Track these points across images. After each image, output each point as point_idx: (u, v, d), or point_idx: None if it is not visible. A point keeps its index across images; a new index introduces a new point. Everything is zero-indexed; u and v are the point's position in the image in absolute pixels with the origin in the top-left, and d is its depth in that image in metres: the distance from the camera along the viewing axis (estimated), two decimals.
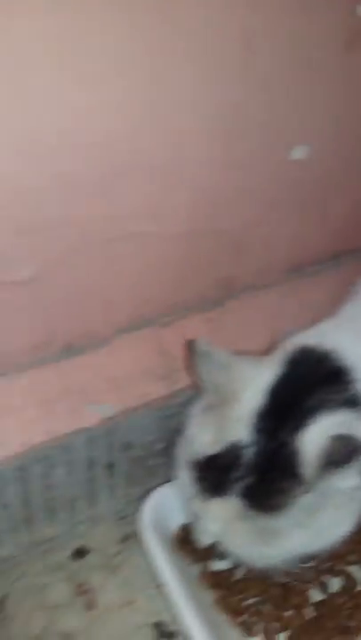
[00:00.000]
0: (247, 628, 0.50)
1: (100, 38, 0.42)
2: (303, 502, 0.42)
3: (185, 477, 0.48)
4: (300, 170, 0.60)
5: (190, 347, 0.49)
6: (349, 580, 0.53)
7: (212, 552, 0.54)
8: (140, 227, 0.53)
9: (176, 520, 0.57)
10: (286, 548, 0.44)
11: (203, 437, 0.47)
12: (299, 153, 0.59)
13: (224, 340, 0.63)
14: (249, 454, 0.43)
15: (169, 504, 0.56)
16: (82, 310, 0.55)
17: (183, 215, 0.55)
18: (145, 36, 0.43)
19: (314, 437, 0.42)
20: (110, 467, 0.58)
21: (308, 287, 0.69)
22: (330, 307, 0.57)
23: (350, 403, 0.44)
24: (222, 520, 0.45)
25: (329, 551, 0.47)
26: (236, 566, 0.53)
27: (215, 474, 0.45)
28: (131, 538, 0.58)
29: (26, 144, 0.43)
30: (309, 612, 0.51)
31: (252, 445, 0.44)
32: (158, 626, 0.51)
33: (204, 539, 0.48)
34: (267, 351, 0.55)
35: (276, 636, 0.49)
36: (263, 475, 0.43)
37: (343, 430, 0.41)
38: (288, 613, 0.51)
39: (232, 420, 0.45)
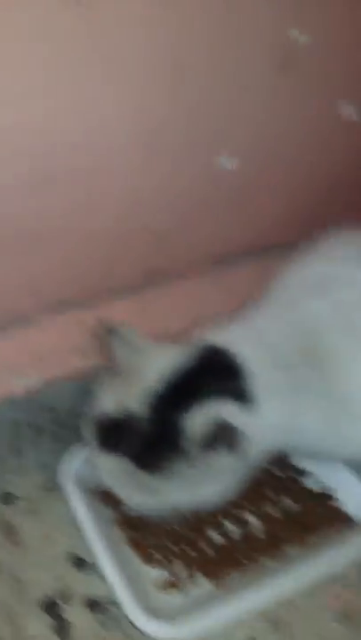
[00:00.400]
0: (151, 561, 0.59)
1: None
2: (181, 469, 0.50)
3: (87, 430, 0.56)
4: (226, 177, 0.67)
5: (111, 330, 0.57)
6: (245, 526, 0.63)
7: None
8: (68, 223, 0.59)
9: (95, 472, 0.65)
10: (165, 503, 0.53)
11: (105, 399, 0.55)
12: (226, 163, 0.66)
13: (146, 323, 0.70)
14: (142, 424, 0.51)
15: (90, 458, 0.65)
16: (9, 291, 0.60)
17: (111, 213, 0.61)
18: (70, 62, 0.49)
19: (199, 419, 0.50)
20: (36, 427, 0.66)
21: (230, 277, 0.76)
22: (249, 295, 0.64)
23: (240, 396, 0.52)
24: (111, 472, 0.53)
25: (205, 510, 0.57)
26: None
27: (110, 434, 0.53)
28: (54, 486, 0.66)
29: None
30: (210, 553, 0.60)
31: (144, 417, 0.52)
32: (75, 557, 0.60)
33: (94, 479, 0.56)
34: (185, 335, 0.63)
35: (177, 569, 0.58)
36: (151, 442, 0.51)
37: (224, 418, 0.49)
38: (193, 553, 0.60)
39: (132, 392, 0.53)
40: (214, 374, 0.53)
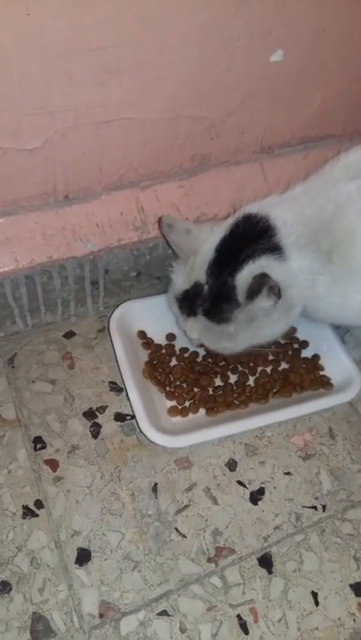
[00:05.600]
0: (168, 395, 0.74)
1: None
2: (242, 316, 0.63)
3: (174, 309, 0.70)
4: (275, 70, 0.69)
5: (160, 222, 0.68)
6: (243, 376, 0.76)
7: (159, 347, 0.78)
8: (127, 113, 0.66)
9: (136, 325, 0.79)
10: (239, 342, 0.66)
11: (178, 281, 0.69)
12: (276, 56, 0.68)
13: (192, 205, 0.78)
14: (206, 289, 0.64)
15: (131, 313, 0.79)
16: (78, 172, 0.70)
17: (164, 105, 0.67)
18: None
19: (243, 277, 0.62)
20: (94, 283, 0.79)
21: (274, 167, 0.81)
22: (290, 185, 0.70)
23: (272, 249, 0.62)
24: (197, 330, 0.68)
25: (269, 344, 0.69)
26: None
27: (188, 302, 0.67)
28: (105, 331, 0.81)
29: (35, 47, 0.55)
30: (210, 392, 0.75)
31: (207, 283, 0.64)
32: (113, 383, 0.76)
33: (193, 343, 0.72)
34: (227, 216, 0.71)
35: (185, 402, 0.73)
36: (215, 301, 0.64)
37: (263, 271, 0.60)
38: (197, 390, 0.74)
39: (194, 268, 0.66)
40: (254, 236, 0.63)
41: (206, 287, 0.64)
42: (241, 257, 0.62)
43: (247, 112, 0.73)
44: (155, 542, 0.63)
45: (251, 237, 0.63)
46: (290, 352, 0.78)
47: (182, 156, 0.74)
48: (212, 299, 0.64)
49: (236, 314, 0.63)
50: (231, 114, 0.72)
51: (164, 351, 0.78)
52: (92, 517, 0.64)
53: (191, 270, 0.66)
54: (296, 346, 0.79)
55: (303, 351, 0.79)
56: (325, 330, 0.78)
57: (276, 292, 0.59)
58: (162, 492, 0.67)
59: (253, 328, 0.64)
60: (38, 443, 0.69)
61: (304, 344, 0.79)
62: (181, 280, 0.68)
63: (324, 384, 0.75)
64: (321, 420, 0.74)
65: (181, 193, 0.78)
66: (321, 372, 0.76)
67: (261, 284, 0.59)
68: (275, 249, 0.62)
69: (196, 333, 0.68)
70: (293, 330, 0.80)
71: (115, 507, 0.65)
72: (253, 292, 0.59)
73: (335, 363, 0.76)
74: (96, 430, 0.71)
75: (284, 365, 0.78)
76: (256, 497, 0.68)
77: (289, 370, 0.77)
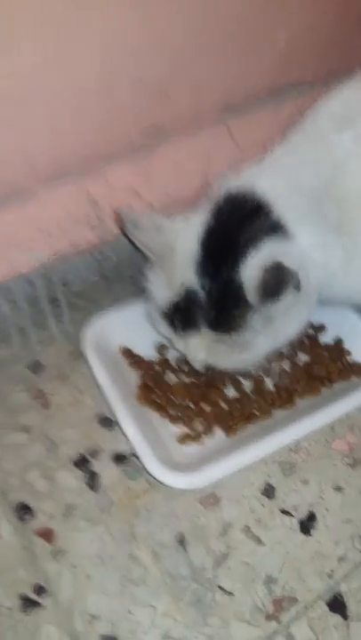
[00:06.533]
0: (173, 420, 0.59)
1: None
2: (256, 319, 0.49)
3: (162, 329, 0.55)
4: (225, 7, 0.57)
5: (119, 220, 0.53)
6: (258, 380, 0.63)
7: (151, 365, 0.64)
8: (50, 81, 0.51)
9: (116, 340, 0.64)
10: (257, 351, 0.53)
11: (158, 291, 0.54)
12: None
13: (154, 187, 0.64)
14: (204, 295, 0.50)
15: (108, 327, 0.64)
16: (2, 163, 0.55)
17: (94, 67, 0.53)
18: None
19: (251, 271, 0.48)
20: (54, 300, 0.64)
21: (243, 128, 0.68)
22: (264, 144, 0.57)
23: (273, 230, 0.49)
24: (203, 348, 0.53)
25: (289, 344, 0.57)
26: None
27: (182, 316, 0.52)
28: (79, 354, 0.66)
29: None
30: (225, 407, 0.60)
31: (203, 288, 0.50)
32: (101, 417, 0.61)
33: (198, 367, 0.57)
34: (199, 196, 0.57)
35: (194, 423, 0.59)
36: (220, 307, 0.50)
37: (272, 259, 0.46)
38: (207, 407, 0.60)
39: (175, 270, 0.52)
40: (246, 219, 0.50)
41: (203, 292, 0.51)
42: (239, 247, 0.49)
43: (199, 65, 0.60)
44: (197, 609, 0.49)
45: (242, 220, 0.50)
46: (306, 341, 0.65)
47: (131, 129, 0.61)
48: (215, 305, 0.51)
49: (248, 318, 0.50)
50: (180, 69, 0.59)
51: (157, 368, 0.64)
52: (110, 593, 0.49)
53: (172, 274, 0.52)
54: (311, 332, 0.66)
55: (321, 337, 0.66)
56: (343, 310, 0.65)
57: (297, 283, 0.47)
58: (191, 544, 0.52)
59: (273, 330, 0.52)
60: (23, 510, 0.53)
61: (320, 328, 0.66)
62: (163, 290, 0.54)
63: (357, 371, 0.62)
64: None
65: (138, 175, 0.63)
66: (349, 358, 0.64)
67: (280, 277, 0.46)
68: (275, 228, 0.50)
69: (202, 353, 0.54)
70: None
71: (136, 573, 0.50)
72: (273, 290, 0.47)
73: None
74: (93, 481, 0.56)
75: (303, 358, 0.65)
76: (307, 525, 0.54)
77: (311, 362, 0.64)
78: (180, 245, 0.52)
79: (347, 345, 0.65)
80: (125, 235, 0.57)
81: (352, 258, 0.53)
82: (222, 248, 0.50)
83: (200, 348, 0.54)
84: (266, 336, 0.52)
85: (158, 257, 0.54)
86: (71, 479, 0.56)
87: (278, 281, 0.46)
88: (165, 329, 0.55)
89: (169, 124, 0.63)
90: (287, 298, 0.47)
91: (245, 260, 0.48)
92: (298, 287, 0.48)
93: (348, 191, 0.51)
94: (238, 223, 0.50)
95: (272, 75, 0.67)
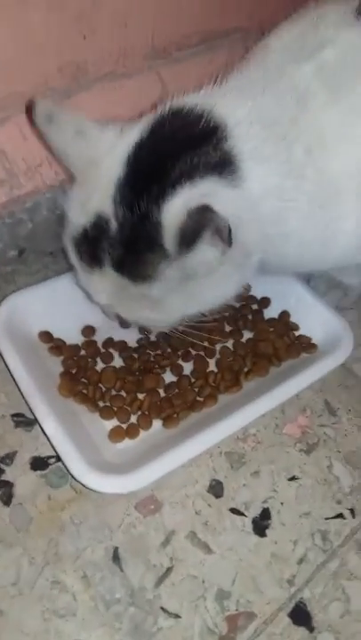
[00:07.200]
0: (103, 413, 0.50)
1: None
2: (170, 272, 0.40)
3: (72, 259, 0.45)
4: None
5: (32, 111, 0.42)
6: (202, 362, 0.54)
7: (75, 349, 0.54)
8: None
9: (35, 325, 0.54)
10: (168, 312, 0.44)
11: (73, 214, 0.43)
12: None
13: None
14: (115, 226, 0.40)
15: (26, 308, 0.54)
16: None
17: None
18: None
19: (174, 210, 0.38)
20: None
21: (175, 77, 0.59)
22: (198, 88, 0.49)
23: (221, 165, 0.40)
24: (105, 291, 0.44)
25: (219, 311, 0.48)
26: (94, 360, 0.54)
27: (88, 246, 0.42)
28: None
29: None
30: (162, 394, 0.52)
31: (115, 218, 0.40)
32: (17, 415, 0.51)
33: (105, 314, 0.48)
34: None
35: (129, 417, 0.50)
36: (129, 246, 0.40)
37: (203, 201, 0.36)
38: (142, 396, 0.51)
39: (93, 190, 0.41)
40: (191, 142, 0.40)
41: (115, 223, 0.40)
42: (171, 175, 0.39)
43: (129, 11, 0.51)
44: (137, 638, 0.40)
45: (186, 143, 0.40)
46: (249, 316, 0.58)
47: (46, 66, 0.51)
48: (124, 242, 0.40)
49: (162, 269, 0.40)
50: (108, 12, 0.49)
51: (83, 352, 0.54)
52: (30, 631, 0.40)
53: (88, 195, 0.42)
54: (255, 306, 0.59)
55: (265, 311, 0.59)
56: (287, 279, 0.58)
57: (226, 235, 0.37)
58: (128, 560, 0.44)
59: (189, 290, 0.42)
60: None
61: (265, 302, 0.59)
62: (78, 211, 0.43)
63: (306, 347, 0.55)
64: (313, 395, 0.55)
65: None
66: (297, 333, 0.57)
67: (202, 223, 0.36)
68: (223, 164, 0.40)
69: (104, 296, 0.44)
70: (247, 287, 0.59)
71: (62, 602, 0.41)
72: (190, 237, 0.37)
73: (312, 317, 0.56)
74: (7, 492, 0.46)
75: (247, 335, 0.57)
76: (261, 524, 0.47)
77: (256, 339, 0.56)
78: (106, 161, 0.42)
79: (293, 318, 0.58)
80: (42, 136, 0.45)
81: (313, 210, 0.44)
82: (150, 173, 0.40)
83: (103, 289, 0.44)
84: (180, 295, 0.42)
85: (77, 170, 0.43)
86: None
87: (197, 225, 0.36)
88: (73, 259, 0.45)
89: (91, 64, 0.53)
90: (206, 250, 0.38)
91: (173, 194, 0.38)
92: (228, 241, 0.37)
93: (310, 130, 0.43)
94: (179, 145, 0.40)
95: (205, 17, 0.59)
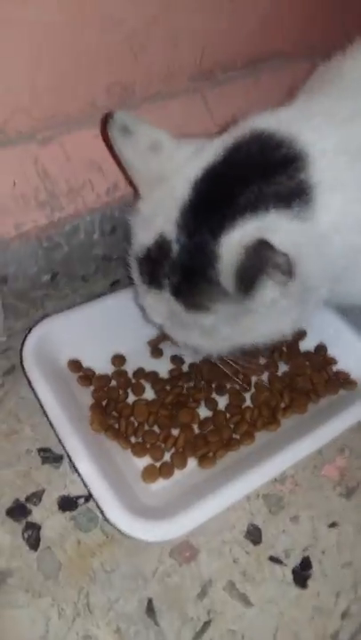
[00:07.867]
0: (135, 450, 0.47)
1: None
2: (226, 307, 0.38)
3: (134, 276, 0.43)
4: None
5: (107, 119, 0.40)
6: (237, 396, 0.52)
7: (105, 380, 0.52)
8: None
9: (65, 352, 0.52)
10: (219, 342, 0.42)
11: (139, 231, 0.42)
12: None
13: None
14: (176, 250, 0.38)
15: (56, 336, 0.51)
16: None
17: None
18: None
19: (231, 245, 0.35)
20: None
21: (219, 99, 0.57)
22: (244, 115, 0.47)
23: (290, 197, 0.37)
24: (160, 311, 0.42)
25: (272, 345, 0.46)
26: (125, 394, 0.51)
27: (150, 266, 0.40)
28: (15, 370, 0.53)
29: None
30: (196, 430, 0.49)
31: (177, 242, 0.38)
32: (45, 450, 0.49)
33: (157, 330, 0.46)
34: None
35: (163, 455, 0.47)
36: (188, 274, 0.38)
37: (260, 235, 0.34)
38: (176, 431, 0.48)
39: (159, 210, 0.40)
40: (263, 172, 0.37)
41: (177, 246, 0.38)
42: (235, 204, 0.36)
43: (178, 14, 0.49)
44: None
45: (259, 170, 0.37)
46: (284, 348, 0.55)
47: (95, 87, 0.49)
48: (183, 268, 0.38)
49: (218, 302, 0.38)
50: (157, 18, 0.47)
51: (113, 383, 0.51)
52: None
53: (154, 213, 0.40)
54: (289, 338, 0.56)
55: (301, 343, 0.56)
56: (323, 311, 0.55)
57: (286, 270, 0.34)
58: (163, 612, 0.41)
59: (244, 324, 0.40)
60: None
61: (300, 334, 0.56)
62: (143, 229, 0.41)
63: (345, 383, 0.52)
64: (350, 434, 0.52)
65: (101, 144, 0.51)
66: (334, 368, 0.54)
67: (261, 265, 0.34)
68: (297, 194, 0.37)
69: (159, 316, 0.43)
70: None
71: None
72: (249, 281, 0.35)
73: (350, 351, 0.54)
74: (34, 535, 0.43)
75: (281, 368, 0.54)
76: (302, 575, 0.44)
77: (292, 372, 0.53)
78: (174, 180, 0.39)
79: (330, 352, 0.55)
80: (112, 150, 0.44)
81: None
82: (215, 200, 0.37)
83: (159, 309, 0.42)
84: (233, 328, 0.40)
85: (144, 185, 0.41)
86: (4, 534, 0.43)
87: (256, 268, 0.34)
88: (135, 276, 0.43)
89: (139, 84, 0.51)
90: (266, 291, 0.35)
91: (233, 226, 0.36)
92: (287, 275, 0.34)
93: None
94: (252, 172, 0.37)
95: (251, 40, 0.57)
